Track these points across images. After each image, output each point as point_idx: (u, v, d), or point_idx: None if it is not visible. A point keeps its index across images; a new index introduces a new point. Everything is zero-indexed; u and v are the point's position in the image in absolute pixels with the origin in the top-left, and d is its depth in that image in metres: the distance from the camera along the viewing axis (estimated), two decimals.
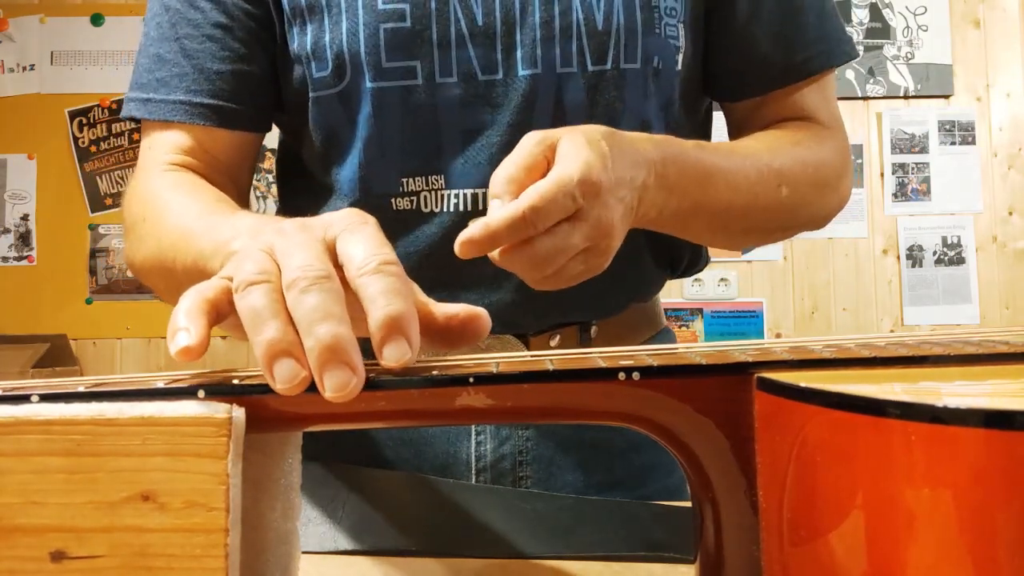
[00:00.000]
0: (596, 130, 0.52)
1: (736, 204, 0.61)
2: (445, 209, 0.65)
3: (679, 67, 0.68)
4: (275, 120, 0.74)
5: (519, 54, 0.63)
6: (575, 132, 0.50)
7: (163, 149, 0.68)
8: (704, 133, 0.77)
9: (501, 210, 0.46)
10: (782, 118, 0.72)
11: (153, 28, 0.70)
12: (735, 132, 0.76)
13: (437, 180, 0.65)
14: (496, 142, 0.64)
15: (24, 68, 2.96)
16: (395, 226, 0.67)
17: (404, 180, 0.66)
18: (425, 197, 0.66)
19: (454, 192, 0.65)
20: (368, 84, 0.64)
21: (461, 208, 0.65)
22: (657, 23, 0.65)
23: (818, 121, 0.72)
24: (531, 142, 0.50)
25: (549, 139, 0.50)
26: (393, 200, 0.66)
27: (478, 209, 0.65)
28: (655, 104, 0.67)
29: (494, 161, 0.64)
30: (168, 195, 0.63)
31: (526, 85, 0.64)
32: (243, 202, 0.71)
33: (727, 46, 0.71)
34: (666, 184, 0.55)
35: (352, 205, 0.67)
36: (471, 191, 0.65)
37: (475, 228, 0.46)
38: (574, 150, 0.48)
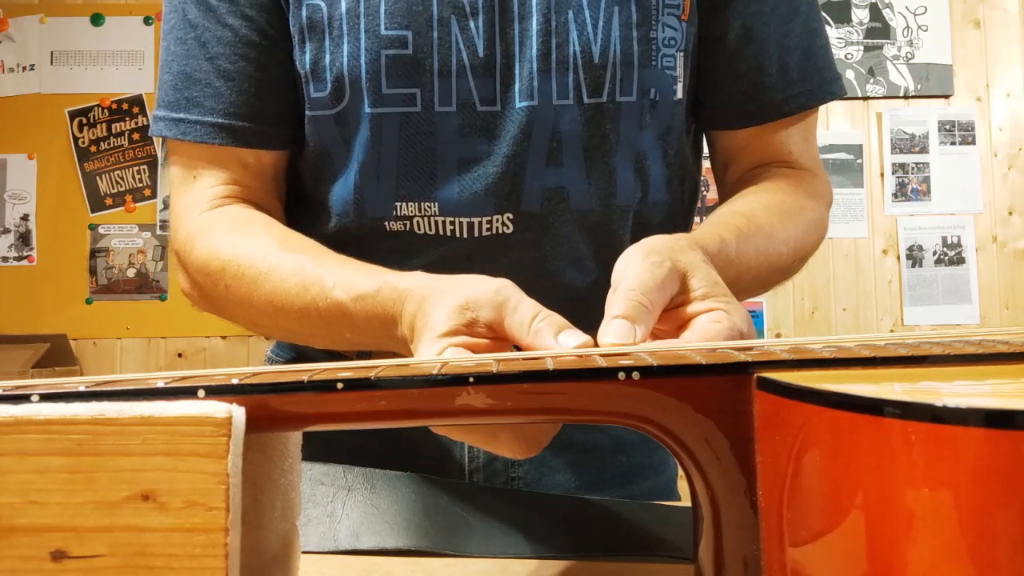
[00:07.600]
0: (707, 260, 0.49)
1: (754, 290, 0.64)
2: (441, 233, 0.65)
3: (678, 95, 0.68)
4: None
5: (517, 87, 0.63)
6: (710, 271, 0.47)
7: (208, 180, 0.67)
8: (697, 155, 0.77)
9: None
10: (767, 160, 0.72)
11: (175, 43, 0.67)
12: (719, 167, 0.76)
13: (430, 207, 0.65)
14: (492, 172, 0.64)
15: (24, 68, 2.96)
16: (389, 246, 0.67)
17: (398, 204, 0.65)
18: (418, 222, 0.65)
19: (448, 219, 0.65)
20: (367, 109, 0.64)
21: (457, 235, 0.65)
22: (654, 55, 0.65)
23: (803, 167, 0.72)
24: (660, 276, 0.45)
25: (678, 269, 0.46)
26: (387, 223, 0.66)
27: (473, 236, 0.65)
28: (651, 134, 0.67)
29: (489, 191, 0.64)
30: (236, 253, 0.62)
31: (523, 116, 0.63)
32: (283, 208, 0.71)
33: (712, 77, 0.71)
34: None
35: (345, 226, 0.67)
36: (466, 220, 0.65)
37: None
38: (735, 310, 0.45)
